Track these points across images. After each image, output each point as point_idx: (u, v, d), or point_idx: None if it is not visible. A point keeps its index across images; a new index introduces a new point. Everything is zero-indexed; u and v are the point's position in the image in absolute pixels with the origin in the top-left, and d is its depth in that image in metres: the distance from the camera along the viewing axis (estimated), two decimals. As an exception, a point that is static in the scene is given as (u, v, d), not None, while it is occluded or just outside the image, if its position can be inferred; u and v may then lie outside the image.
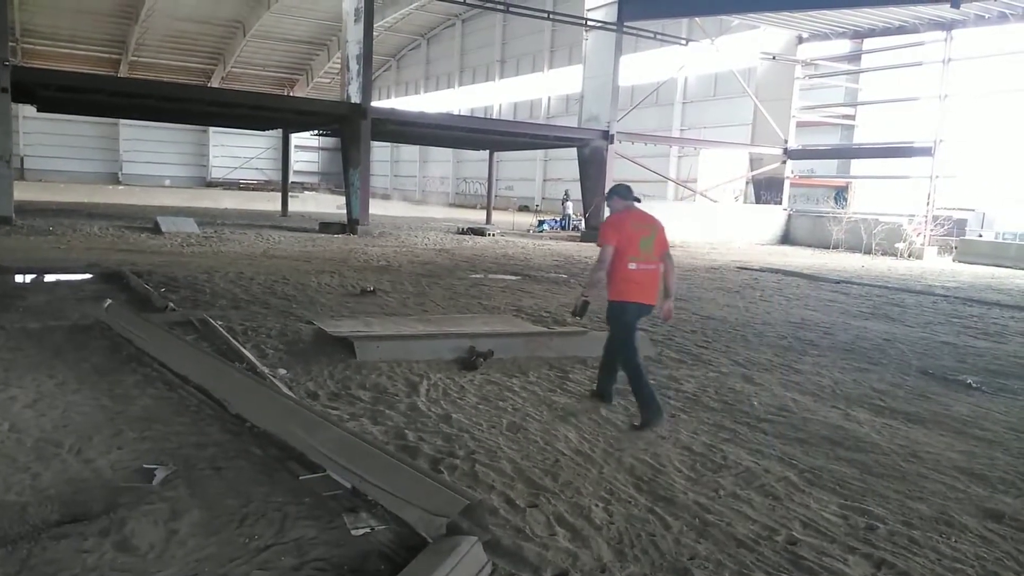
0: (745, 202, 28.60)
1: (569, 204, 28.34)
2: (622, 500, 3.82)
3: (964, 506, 3.98)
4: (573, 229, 26.51)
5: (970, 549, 3.49)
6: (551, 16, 28.93)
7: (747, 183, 28.76)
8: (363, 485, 3.61)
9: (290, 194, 28.54)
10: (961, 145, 24.05)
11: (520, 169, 45.08)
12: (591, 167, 23.69)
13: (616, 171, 24.29)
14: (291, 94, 51.42)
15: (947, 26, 23.17)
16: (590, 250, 19.44)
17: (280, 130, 28.26)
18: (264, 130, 34.34)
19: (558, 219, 28.33)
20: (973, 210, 24.14)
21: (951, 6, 20.42)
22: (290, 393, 5.05)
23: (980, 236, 22.80)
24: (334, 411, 4.89)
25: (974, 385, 6.64)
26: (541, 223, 27.55)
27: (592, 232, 22.88)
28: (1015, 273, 18.77)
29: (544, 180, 44.38)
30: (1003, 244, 21.62)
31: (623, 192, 5.25)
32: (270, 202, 28.38)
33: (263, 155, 53.87)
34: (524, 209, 40.92)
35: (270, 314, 8.01)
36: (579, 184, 25.09)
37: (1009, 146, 23.31)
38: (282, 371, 5.67)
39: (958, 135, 23.75)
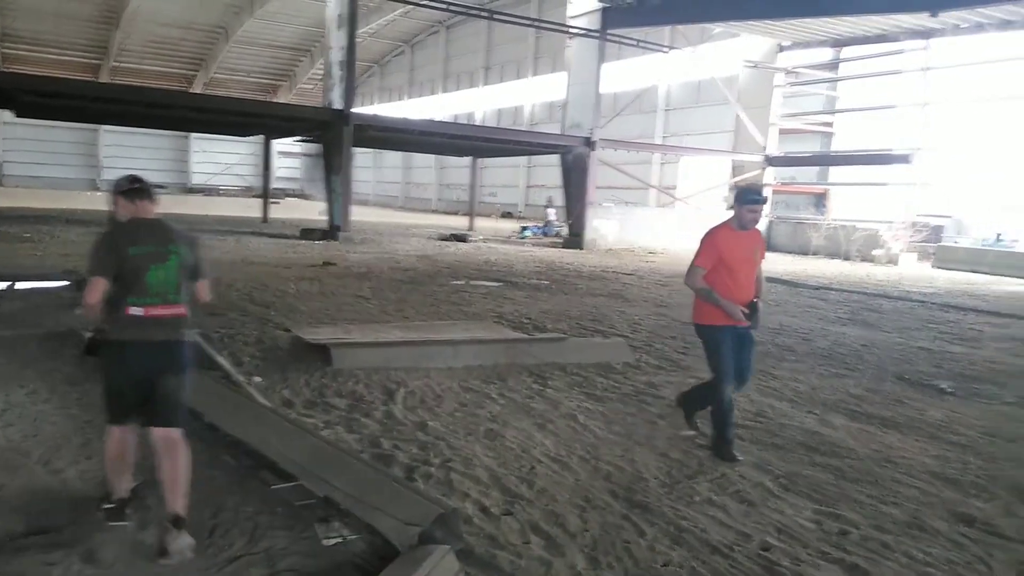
0: (729, 209, 28.74)
1: (552, 211, 28.38)
2: (598, 507, 3.82)
3: (936, 510, 4.01)
4: (555, 236, 26.52)
5: (941, 553, 3.51)
6: (534, 24, 29.01)
7: (730, 190, 28.92)
8: (336, 494, 3.59)
9: (272, 200, 28.37)
10: (939, 152, 24.35)
11: (503, 175, 45.11)
12: (574, 174, 23.73)
13: (599, 178, 24.37)
14: (275, 100, 51.24)
15: (926, 35, 23.46)
16: (572, 257, 19.47)
17: (262, 136, 28.12)
18: (246, 136, 34.12)
19: (541, 225, 28.35)
20: (950, 217, 24.42)
21: (930, 15, 20.74)
22: (265, 401, 5.00)
23: (957, 243, 23.05)
24: (309, 419, 4.86)
25: (949, 390, 6.70)
26: (524, 229, 27.57)
27: (575, 239, 22.94)
28: (991, 279, 18.99)
29: (527, 186, 44.44)
30: (980, 250, 21.87)
31: None
32: (251, 208, 28.21)
33: (245, 161, 53.56)
34: (507, 215, 40.95)
35: (247, 321, 7.95)
36: (562, 191, 25.14)
37: (987, 153, 23.63)
38: (257, 379, 5.62)
39: (936, 143, 24.05)
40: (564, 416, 5.30)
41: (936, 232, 23.93)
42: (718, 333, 4.62)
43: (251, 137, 33.90)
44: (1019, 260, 20.64)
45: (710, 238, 4.63)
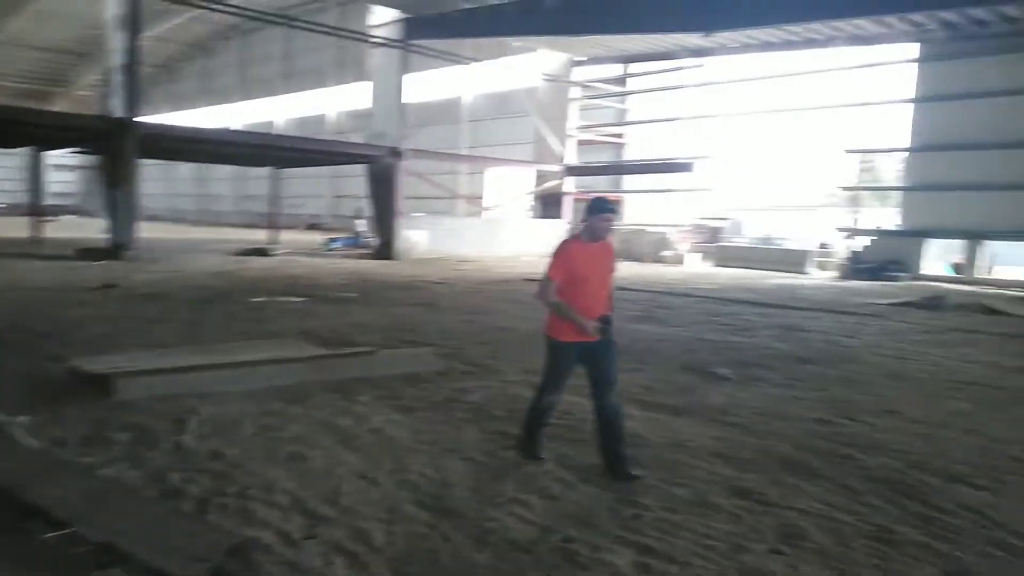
0: (534, 217, 29.86)
1: (361, 222, 27.96)
2: (405, 519, 3.78)
3: (718, 487, 4.36)
4: (365, 247, 26.15)
5: (722, 526, 3.82)
6: (334, 32, 28.43)
7: (536, 199, 30.05)
8: (116, 537, 3.28)
9: (45, 218, 25.56)
10: (717, 160, 26.92)
11: (308, 186, 43.86)
12: (381, 184, 23.54)
13: (408, 188, 24.39)
14: (47, 108, 46.36)
15: (702, 53, 25.81)
16: (382, 268, 19.28)
17: (32, 148, 25.25)
18: (11, 147, 30.52)
19: (350, 237, 27.85)
20: (728, 219, 26.98)
21: (704, 35, 22.83)
22: (31, 441, 4.48)
23: (734, 242, 25.49)
24: (86, 458, 4.40)
25: (728, 377, 7.36)
26: (332, 241, 26.94)
27: (385, 249, 22.73)
28: (764, 274, 21.17)
29: (334, 197, 43.54)
30: (753, 248, 24.37)
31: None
32: (21, 228, 25.27)
33: (11, 176, 47.99)
34: (314, 227, 39.84)
35: (12, 354, 7.10)
36: (371, 201, 24.84)
37: (758, 161, 26.47)
38: (22, 418, 5.01)
39: (715, 152, 26.56)
40: (372, 431, 5.21)
41: (716, 233, 26.33)
42: (566, 349, 4.54)
43: (18, 149, 30.32)
44: (786, 256, 23.23)
45: (562, 250, 4.47)
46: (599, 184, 31.32)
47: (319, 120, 45.01)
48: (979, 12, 18.94)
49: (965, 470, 4.80)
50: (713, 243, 25.72)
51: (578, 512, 3.92)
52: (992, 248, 21.84)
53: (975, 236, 21.20)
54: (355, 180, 34.65)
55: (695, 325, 10.92)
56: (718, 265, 23.94)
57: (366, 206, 25.76)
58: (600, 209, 4.46)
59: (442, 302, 12.64)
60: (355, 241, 27.17)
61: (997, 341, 10.61)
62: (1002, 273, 21.73)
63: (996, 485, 4.57)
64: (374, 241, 24.20)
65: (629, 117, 30.66)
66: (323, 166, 36.27)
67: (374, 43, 25.19)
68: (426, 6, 23.83)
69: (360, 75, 36.85)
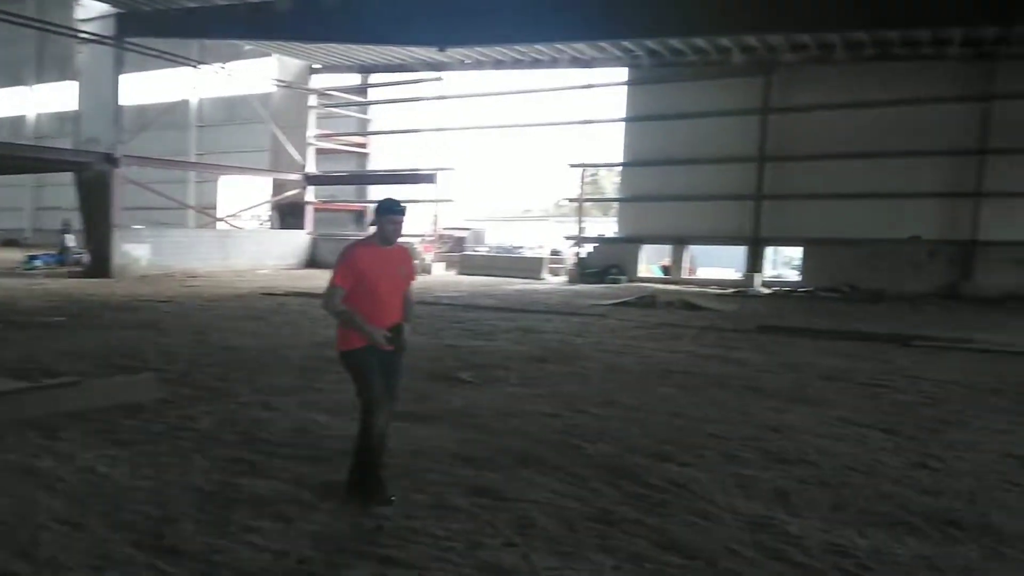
0: (272, 228, 28.60)
1: (70, 236, 24.85)
2: (119, 563, 3.41)
3: (457, 488, 4.47)
4: (75, 264, 23.28)
5: (460, 526, 3.92)
6: (32, 24, 24.97)
7: (273, 209, 28.81)
8: None
9: None
10: (458, 172, 27.83)
11: (4, 196, 38.27)
12: (94, 194, 21.08)
13: (128, 198, 22.19)
14: None
15: (438, 67, 26.47)
16: (97, 287, 17.30)
17: None
18: None
19: (56, 253, 24.63)
20: (470, 229, 28.01)
21: (438, 49, 23.43)
22: None
23: (476, 251, 26.52)
24: None
25: (469, 380, 7.60)
26: (33, 259, 23.65)
27: (100, 266, 20.42)
28: (504, 280, 22.24)
29: (37, 209, 38.42)
30: (494, 256, 25.54)
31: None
32: None
33: None
34: (11, 243, 34.85)
35: None
36: (80, 213, 22.18)
37: (497, 173, 27.81)
38: None
39: (456, 163, 27.44)
40: (80, 470, 4.63)
41: (460, 243, 27.20)
42: (362, 355, 4.21)
43: None
44: (523, 263, 24.63)
45: (348, 255, 4.17)
46: (344, 194, 30.89)
47: (17, 122, 39.47)
48: (675, 42, 21.52)
49: (671, 449, 5.40)
50: (457, 252, 26.52)
51: (318, 532, 3.81)
52: (693, 251, 24.94)
53: (679, 241, 24.03)
54: (63, 189, 30.81)
55: (440, 332, 11.15)
56: (462, 273, 24.71)
57: (76, 219, 22.94)
58: (388, 210, 4.23)
59: (167, 323, 11.64)
60: (62, 258, 24.09)
61: (697, 333, 12.09)
62: (702, 273, 24.91)
63: (697, 460, 5.18)
64: (85, 258, 21.64)
65: (372, 127, 30.59)
66: (21, 174, 31.74)
67: (82, 39, 22.53)
68: (142, 2, 21.82)
69: (67, 73, 32.82)
